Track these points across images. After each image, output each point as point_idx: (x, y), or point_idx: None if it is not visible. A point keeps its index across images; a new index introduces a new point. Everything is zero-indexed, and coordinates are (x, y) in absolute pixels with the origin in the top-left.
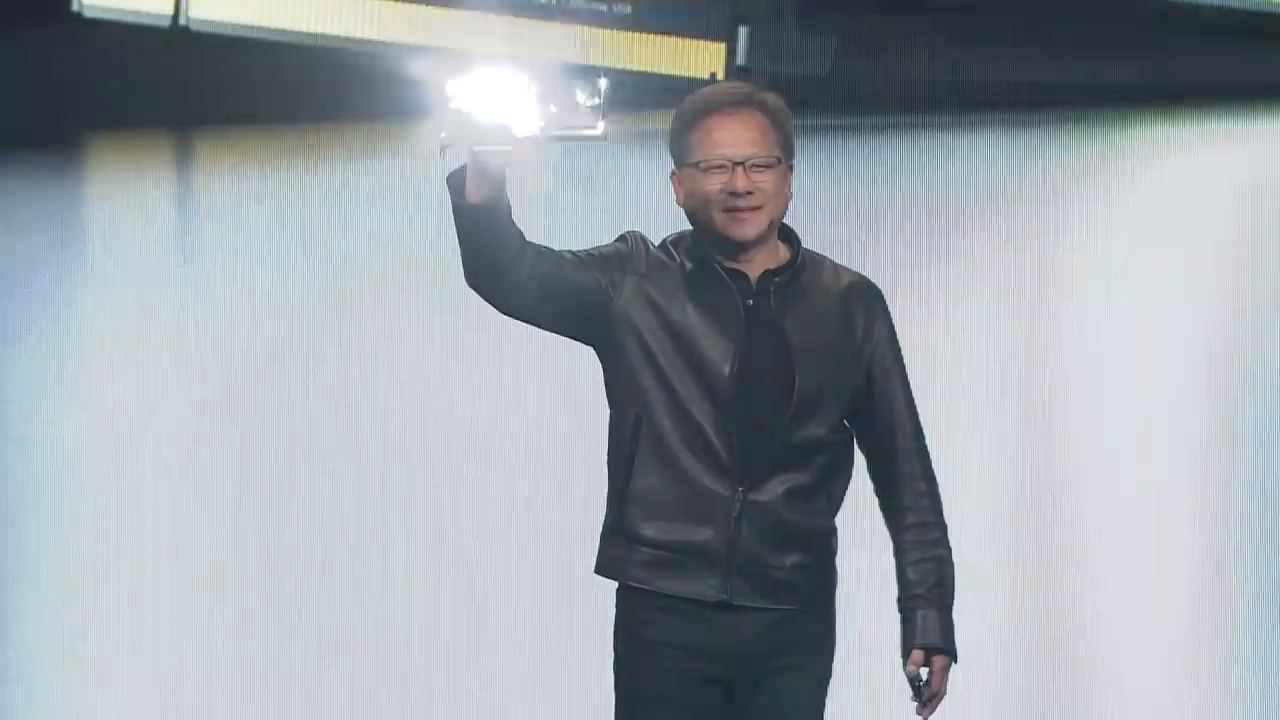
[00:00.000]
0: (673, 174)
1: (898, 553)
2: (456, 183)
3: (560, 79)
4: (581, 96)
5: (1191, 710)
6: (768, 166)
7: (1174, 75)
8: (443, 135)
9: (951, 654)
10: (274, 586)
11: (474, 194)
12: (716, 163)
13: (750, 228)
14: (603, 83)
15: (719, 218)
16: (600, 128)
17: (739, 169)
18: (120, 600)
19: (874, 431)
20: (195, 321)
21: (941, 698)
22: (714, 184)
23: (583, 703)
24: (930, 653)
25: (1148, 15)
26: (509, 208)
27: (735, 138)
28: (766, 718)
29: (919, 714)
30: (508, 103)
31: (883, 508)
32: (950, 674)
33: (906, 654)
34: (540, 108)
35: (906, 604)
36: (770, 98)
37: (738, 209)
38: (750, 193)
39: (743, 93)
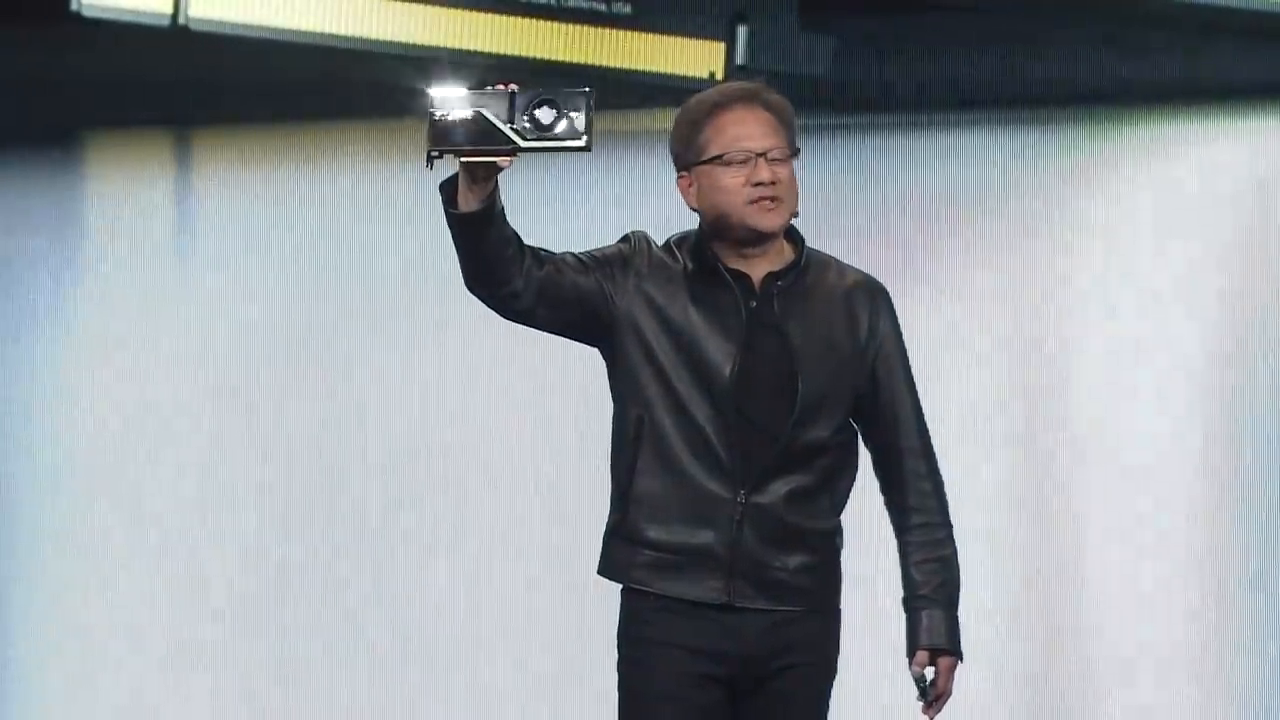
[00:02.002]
0: (679, 178)
1: (902, 553)
2: (448, 191)
3: (546, 90)
4: (567, 109)
5: (1191, 709)
6: (785, 160)
7: (1174, 75)
8: (429, 145)
9: (957, 654)
10: (274, 587)
11: (465, 203)
12: (739, 156)
13: (775, 218)
14: (588, 95)
15: (745, 210)
16: (585, 140)
17: (761, 160)
18: (120, 600)
19: (879, 430)
20: (194, 321)
21: (947, 698)
22: (737, 177)
23: (587, 704)
24: (935, 653)
25: (1148, 15)
26: (503, 212)
27: (754, 130)
28: (770, 718)
29: (924, 714)
30: (494, 113)
31: (888, 506)
32: (956, 674)
33: (911, 654)
34: (526, 119)
35: (911, 604)
36: (775, 96)
37: (764, 199)
38: (775, 182)
39: (751, 89)
